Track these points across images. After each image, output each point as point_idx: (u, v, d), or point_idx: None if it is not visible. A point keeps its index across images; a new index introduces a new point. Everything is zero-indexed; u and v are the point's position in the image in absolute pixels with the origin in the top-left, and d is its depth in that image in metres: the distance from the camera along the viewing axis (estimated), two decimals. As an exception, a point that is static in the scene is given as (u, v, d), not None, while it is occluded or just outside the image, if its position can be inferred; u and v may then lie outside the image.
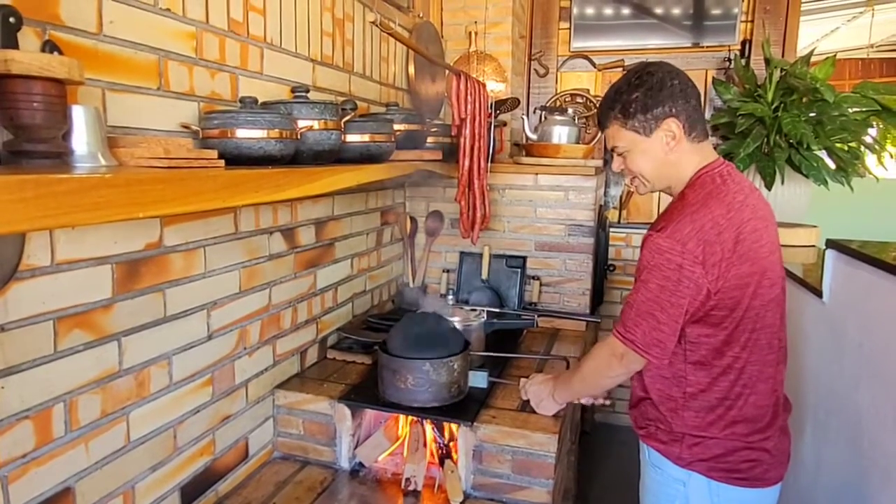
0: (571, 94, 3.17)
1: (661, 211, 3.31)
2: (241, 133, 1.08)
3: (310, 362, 1.75)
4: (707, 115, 2.92)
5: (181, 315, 1.22)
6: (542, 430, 1.39)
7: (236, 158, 1.09)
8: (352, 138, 1.41)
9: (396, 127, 1.67)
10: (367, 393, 1.57)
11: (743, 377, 1.18)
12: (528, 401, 1.51)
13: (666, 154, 1.23)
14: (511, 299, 2.33)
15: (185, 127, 1.12)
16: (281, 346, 1.60)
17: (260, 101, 1.27)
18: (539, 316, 2.22)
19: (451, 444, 1.54)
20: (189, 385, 1.26)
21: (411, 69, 2.25)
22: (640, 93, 1.20)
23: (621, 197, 3.31)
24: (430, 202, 2.40)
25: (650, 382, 1.27)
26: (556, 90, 3.22)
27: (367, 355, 1.79)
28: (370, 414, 1.63)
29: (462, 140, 1.89)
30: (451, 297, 1.86)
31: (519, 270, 2.34)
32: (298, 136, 1.18)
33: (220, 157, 1.07)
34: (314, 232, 1.70)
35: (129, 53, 1.05)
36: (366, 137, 1.44)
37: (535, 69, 3.19)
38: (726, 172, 1.22)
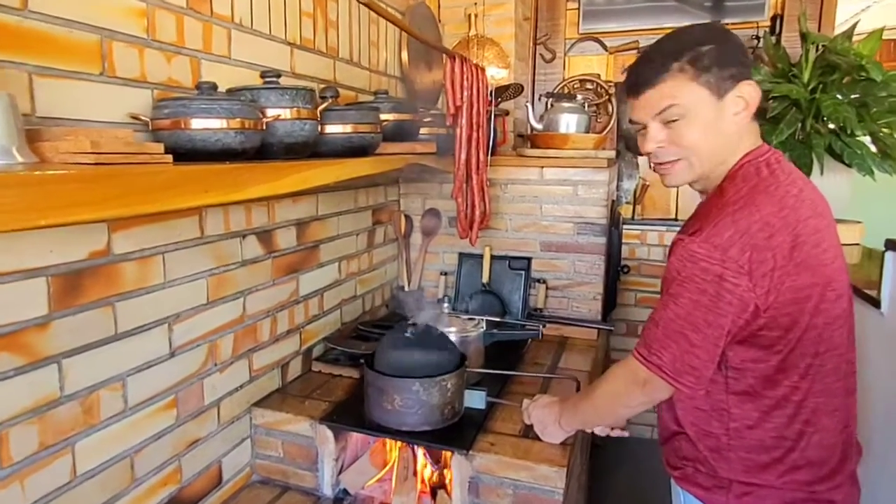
0: (580, 80, 2.99)
1: (679, 204, 3.21)
2: (196, 123, 0.93)
3: (292, 376, 1.61)
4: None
5: (137, 331, 1.07)
6: (547, 462, 1.22)
7: (190, 153, 0.94)
8: (332, 129, 1.26)
9: (384, 117, 1.52)
10: (352, 412, 1.42)
11: (803, 411, 0.99)
12: (531, 425, 1.33)
13: (729, 126, 1.01)
14: (514, 304, 2.17)
15: (135, 118, 0.97)
16: (258, 360, 1.45)
17: (227, 88, 1.12)
18: (546, 323, 2.07)
19: (446, 470, 1.40)
20: (148, 408, 1.12)
21: (405, 55, 2.09)
22: (715, 47, 0.99)
23: (636, 191, 3.13)
24: (426, 199, 2.25)
25: (683, 415, 1.08)
26: (564, 76, 3.05)
27: (354, 368, 1.65)
28: (356, 435, 1.49)
29: (458, 130, 1.73)
30: (446, 304, 1.71)
31: (523, 273, 2.18)
32: (264, 127, 1.03)
33: (172, 151, 0.92)
34: (295, 234, 1.55)
35: (61, 32, 0.90)
36: (348, 128, 1.29)
37: (540, 54, 3.02)
38: (774, 161, 1.02)
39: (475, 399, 1.44)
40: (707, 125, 1.01)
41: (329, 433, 1.39)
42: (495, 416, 1.43)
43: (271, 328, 1.49)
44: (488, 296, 2.18)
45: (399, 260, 2.23)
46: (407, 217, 2.19)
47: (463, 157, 1.75)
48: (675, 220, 3.09)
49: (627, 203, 3.13)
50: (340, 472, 1.42)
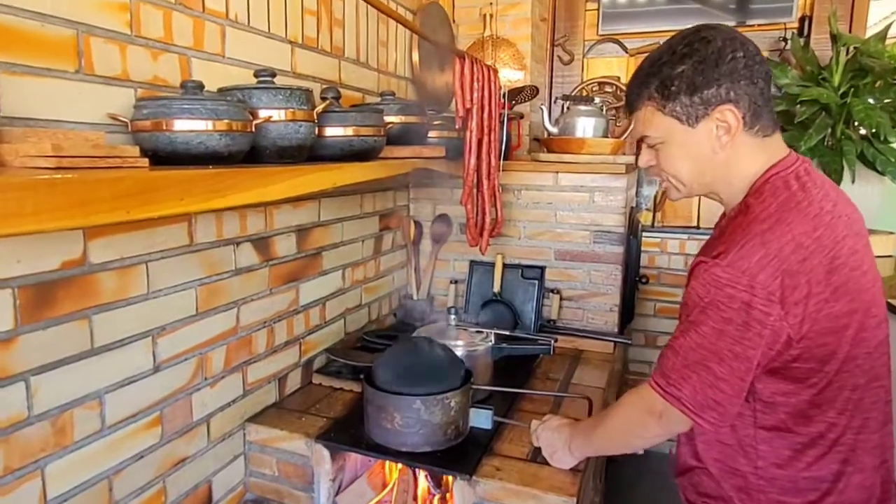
0: (599, 83, 2.89)
1: (701, 212, 3.10)
2: (178, 125, 0.86)
3: (291, 389, 1.54)
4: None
5: (116, 345, 1.01)
6: (555, 491, 1.13)
7: (172, 157, 0.87)
8: (331, 132, 1.19)
9: (390, 119, 1.45)
10: (351, 430, 1.34)
11: (841, 450, 0.89)
12: (540, 448, 1.24)
13: (713, 153, 0.94)
14: (527, 315, 2.07)
15: (113, 118, 0.91)
16: (253, 373, 1.38)
17: (218, 88, 1.06)
18: (559, 335, 1.97)
19: (448, 495, 1.31)
20: (129, 427, 1.06)
21: (415, 56, 2.01)
22: (689, 66, 0.92)
23: (656, 197, 3.01)
24: (436, 204, 2.16)
25: (704, 449, 1.00)
26: (583, 79, 2.94)
27: (356, 381, 1.57)
28: (355, 455, 1.41)
29: (468, 134, 1.65)
30: (452, 316, 1.62)
31: (536, 282, 2.08)
32: (253, 129, 0.96)
33: (153, 155, 0.86)
34: (295, 241, 1.48)
35: (32, 26, 0.84)
36: (348, 131, 1.21)
37: (558, 56, 2.92)
38: (804, 172, 0.93)
39: (481, 418, 1.35)
40: (684, 152, 0.98)
41: (325, 452, 1.31)
42: (502, 437, 1.35)
43: (268, 339, 1.42)
44: (500, 306, 2.09)
45: (408, 267, 2.15)
46: (416, 223, 2.11)
47: (473, 161, 1.67)
48: (697, 227, 2.99)
49: (647, 210, 3.01)
50: (338, 493, 1.34)
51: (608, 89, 2.89)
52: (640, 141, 1.06)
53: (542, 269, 2.07)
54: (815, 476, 0.90)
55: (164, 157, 0.86)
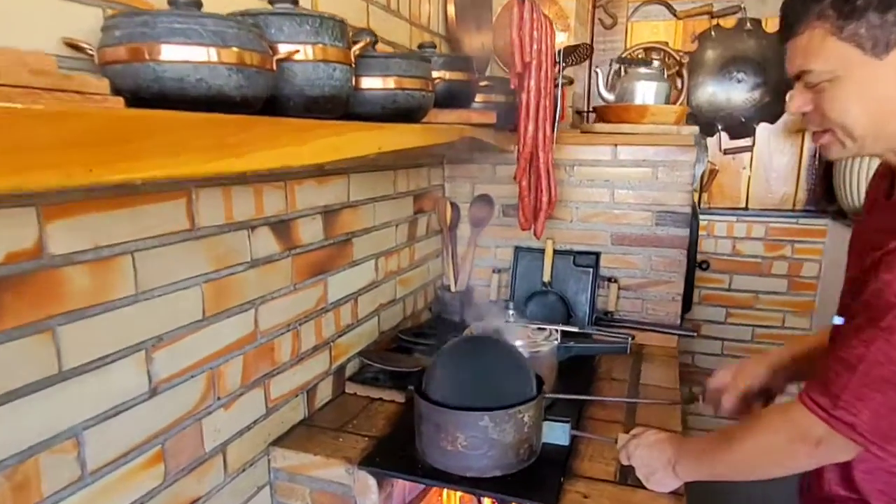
0: (645, 49, 2.59)
1: (750, 192, 2.83)
2: (168, 52, 0.60)
3: (321, 402, 1.29)
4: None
5: (95, 365, 0.75)
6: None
7: (159, 99, 0.60)
8: (370, 83, 0.93)
9: (435, 74, 1.18)
10: (399, 452, 1.11)
11: None
12: (627, 466, 1.04)
13: None
14: (580, 307, 1.82)
15: (71, 45, 0.65)
16: (277, 387, 1.13)
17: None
18: (618, 329, 1.74)
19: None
20: (120, 470, 0.80)
21: (451, 9, 1.73)
22: None
23: (702, 177, 2.75)
24: (475, 183, 1.90)
25: (864, 479, 0.83)
26: (626, 45, 2.65)
27: (398, 390, 1.32)
28: (403, 481, 1.17)
29: (524, 96, 1.38)
30: (510, 310, 1.37)
31: (591, 270, 1.83)
32: (274, 67, 0.70)
33: (133, 96, 0.60)
34: (322, 225, 1.22)
35: None
36: (390, 83, 0.95)
37: (599, 19, 2.63)
38: None
39: (556, 433, 1.12)
40: (862, 94, 0.75)
41: (371, 480, 1.08)
42: (580, 454, 1.13)
43: (293, 345, 1.17)
44: (549, 297, 1.84)
45: (444, 255, 1.89)
46: (453, 205, 1.84)
47: (530, 129, 1.40)
48: (746, 209, 2.78)
49: (694, 190, 2.75)
50: (383, 532, 1.10)
51: (655, 56, 2.59)
52: (796, 78, 0.79)
53: (597, 255, 1.83)
54: None
55: (147, 100, 0.60)
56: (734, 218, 2.67)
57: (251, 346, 1.05)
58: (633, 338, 1.47)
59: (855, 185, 2.37)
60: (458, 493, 1.17)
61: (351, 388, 1.36)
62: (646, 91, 1.89)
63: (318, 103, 0.79)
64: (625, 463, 1.06)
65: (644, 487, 1.02)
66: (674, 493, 1.00)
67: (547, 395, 1.12)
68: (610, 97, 1.91)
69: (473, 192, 1.89)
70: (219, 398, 0.98)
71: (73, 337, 0.71)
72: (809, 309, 2.61)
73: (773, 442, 0.84)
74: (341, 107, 0.84)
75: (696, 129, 1.84)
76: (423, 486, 1.21)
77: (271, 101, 0.73)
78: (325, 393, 1.30)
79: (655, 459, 1.00)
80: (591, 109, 2.43)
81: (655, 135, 1.79)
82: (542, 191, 1.48)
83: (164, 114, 0.51)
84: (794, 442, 0.81)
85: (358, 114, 0.91)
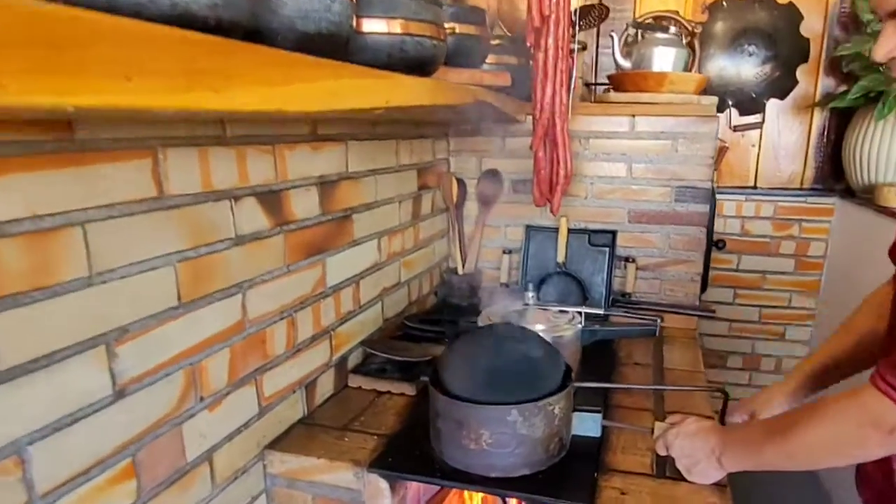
0: (655, 17, 2.44)
1: (759, 170, 2.72)
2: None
3: (322, 398, 1.16)
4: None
5: (39, 364, 0.61)
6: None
7: (108, 13, 0.46)
8: (372, 26, 0.79)
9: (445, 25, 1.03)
10: (413, 451, 0.99)
11: None
12: (665, 456, 0.96)
13: None
14: (596, 288, 1.71)
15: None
16: (271, 383, 1.00)
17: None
18: (638, 310, 1.63)
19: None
20: (80, 489, 0.67)
21: (456, -36, 1.58)
22: None
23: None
24: (482, 157, 1.76)
25: None
26: (635, 14, 2.50)
27: (407, 382, 1.19)
28: (418, 483, 1.05)
29: (541, 56, 1.24)
30: (530, 292, 1.24)
31: (607, 250, 1.71)
32: (259, -12, 0.55)
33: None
34: (318, 197, 1.07)
35: None
36: (396, 26, 0.81)
37: (608, -15, 2.47)
38: None
39: (587, 424, 1.03)
40: None
41: (383, 484, 0.95)
42: (612, 446, 1.04)
43: (288, 335, 1.03)
44: (564, 279, 1.73)
45: (450, 235, 1.75)
46: (459, 181, 1.70)
47: (548, 93, 1.25)
48: (754, 188, 2.70)
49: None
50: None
51: (665, 25, 2.45)
52: (890, 15, 0.68)
53: (614, 233, 1.72)
54: None
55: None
56: (743, 196, 2.60)
57: (239, 336, 0.91)
58: (663, 319, 1.35)
59: (864, 163, 2.27)
60: (480, 494, 1.05)
61: (355, 381, 1.23)
62: (664, 57, 1.76)
63: (312, 41, 0.65)
64: (662, 453, 0.97)
65: (684, 479, 0.93)
66: (717, 484, 0.92)
67: (577, 384, 1.00)
68: (626, 64, 1.77)
69: (481, 168, 1.75)
70: (202, 398, 0.84)
71: (6, 329, 0.57)
72: (815, 289, 2.53)
73: (841, 430, 0.77)
74: (340, 50, 0.70)
75: (715, 99, 1.71)
76: (438, 488, 1.08)
77: (254, 35, 0.59)
78: (326, 388, 1.17)
79: (698, 450, 0.92)
80: (599, 82, 2.28)
81: (675, 104, 1.67)
82: (558, 163, 1.35)
83: (112, 18, 0.37)
84: (864, 428, 0.74)
85: (357, 61, 0.77)
